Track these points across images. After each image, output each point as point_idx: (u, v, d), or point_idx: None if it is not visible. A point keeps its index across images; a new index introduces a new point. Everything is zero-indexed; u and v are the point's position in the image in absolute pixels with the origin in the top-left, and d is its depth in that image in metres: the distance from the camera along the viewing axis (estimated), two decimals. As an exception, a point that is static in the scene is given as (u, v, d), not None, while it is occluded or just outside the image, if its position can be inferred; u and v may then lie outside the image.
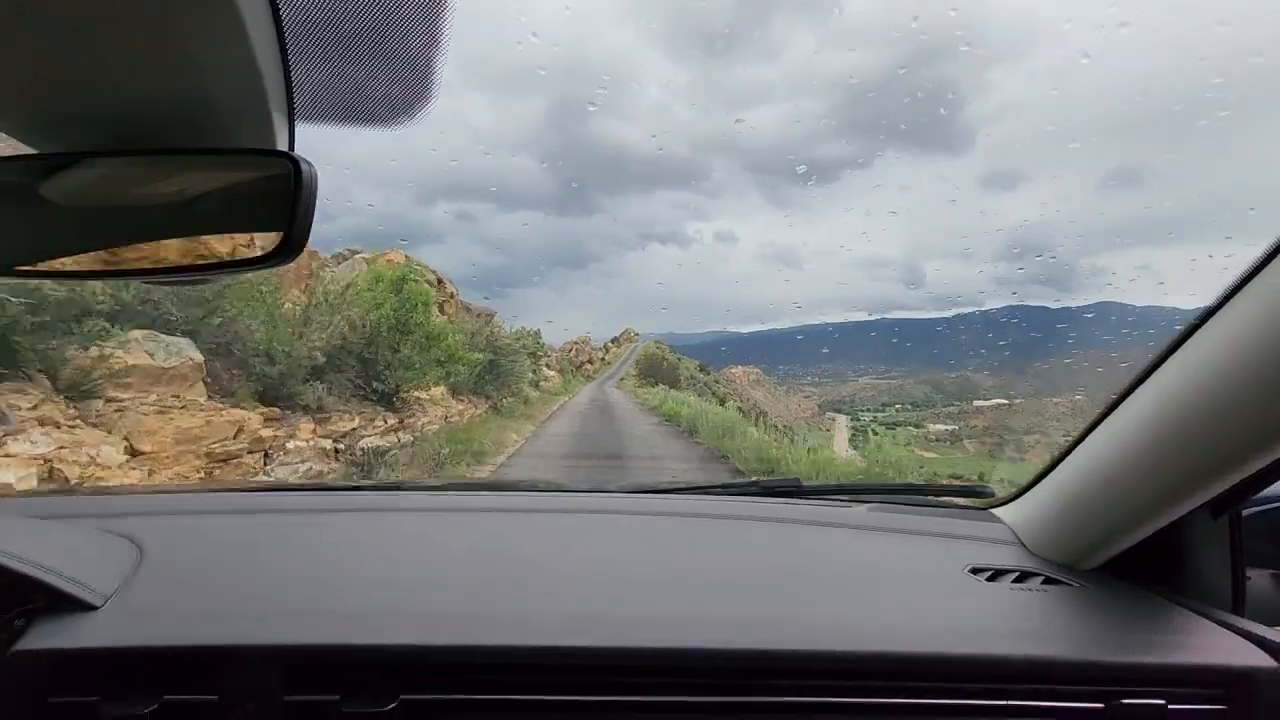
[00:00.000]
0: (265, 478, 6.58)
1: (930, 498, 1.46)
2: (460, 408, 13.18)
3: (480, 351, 14.12)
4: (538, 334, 27.69)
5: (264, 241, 0.68)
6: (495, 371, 15.21)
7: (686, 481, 1.71)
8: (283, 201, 0.64)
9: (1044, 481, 1.18)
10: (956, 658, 0.87)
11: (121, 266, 0.68)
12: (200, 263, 0.67)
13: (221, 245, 0.71)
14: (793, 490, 1.50)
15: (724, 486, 1.59)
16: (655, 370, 43.30)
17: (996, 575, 1.06)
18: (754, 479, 1.61)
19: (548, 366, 33.17)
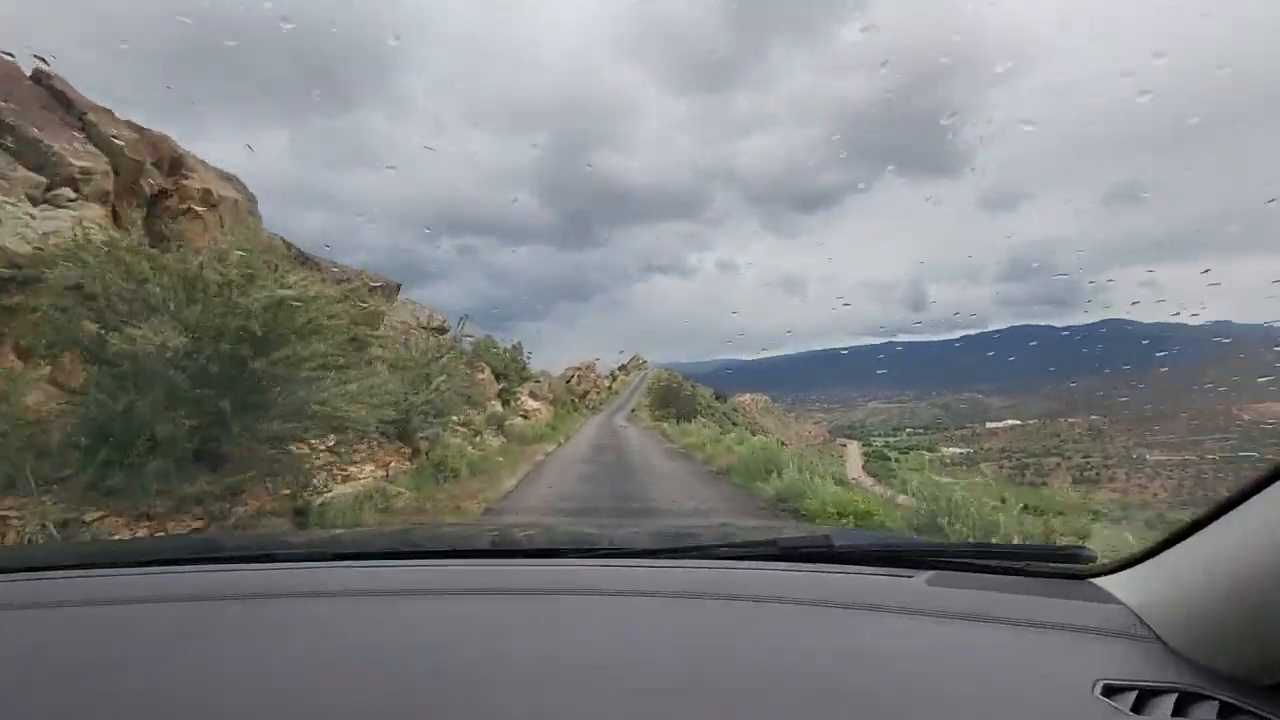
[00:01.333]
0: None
1: (1006, 562, 1.10)
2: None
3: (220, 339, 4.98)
4: (517, 348, 21.70)
5: None
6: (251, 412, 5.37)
7: (691, 538, 1.36)
8: None
9: (1181, 548, 0.83)
10: None
11: None
12: None
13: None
14: (823, 552, 1.15)
15: (734, 545, 1.24)
16: (671, 399, 42.05)
17: (1144, 698, 0.70)
18: (774, 537, 1.25)
19: (532, 395, 24.60)
